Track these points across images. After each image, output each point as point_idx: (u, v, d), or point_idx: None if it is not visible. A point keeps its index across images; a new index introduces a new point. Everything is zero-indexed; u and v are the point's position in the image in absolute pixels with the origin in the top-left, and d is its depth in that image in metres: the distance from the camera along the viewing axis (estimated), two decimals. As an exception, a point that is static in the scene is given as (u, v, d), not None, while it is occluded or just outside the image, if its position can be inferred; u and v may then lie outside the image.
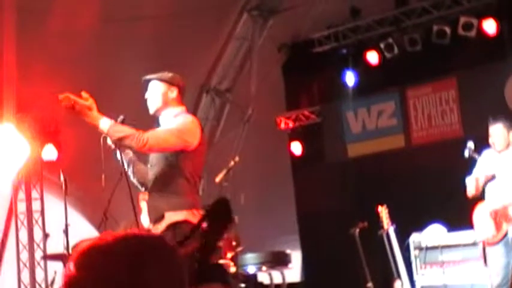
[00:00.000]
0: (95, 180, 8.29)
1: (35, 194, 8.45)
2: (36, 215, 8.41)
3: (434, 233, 7.59)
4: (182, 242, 1.87)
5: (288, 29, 10.59)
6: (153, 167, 4.68)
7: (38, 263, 8.25)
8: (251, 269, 7.51)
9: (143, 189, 4.90)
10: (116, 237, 1.50)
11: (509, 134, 6.32)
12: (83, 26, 8.14)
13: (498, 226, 6.30)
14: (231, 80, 10.76)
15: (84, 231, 7.92)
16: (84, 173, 8.38)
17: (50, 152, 8.21)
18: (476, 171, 6.52)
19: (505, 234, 6.28)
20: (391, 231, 7.26)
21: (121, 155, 4.74)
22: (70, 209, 7.06)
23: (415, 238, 7.66)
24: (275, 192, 10.52)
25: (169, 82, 4.75)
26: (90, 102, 4.47)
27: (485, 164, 6.45)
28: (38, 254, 8.27)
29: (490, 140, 6.37)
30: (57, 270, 6.63)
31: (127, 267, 1.44)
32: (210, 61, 10.40)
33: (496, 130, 6.30)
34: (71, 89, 8.24)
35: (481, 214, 6.47)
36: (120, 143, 4.51)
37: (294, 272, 9.07)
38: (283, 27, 10.40)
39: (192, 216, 4.43)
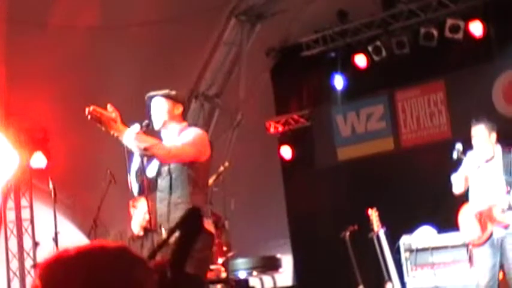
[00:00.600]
0: (85, 188, 8.31)
1: (24, 202, 8.42)
2: (26, 224, 8.37)
3: (424, 235, 7.61)
4: (153, 254, 1.85)
5: (276, 34, 10.60)
6: (165, 177, 4.83)
7: (28, 272, 8.21)
8: (242, 274, 7.51)
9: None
10: (78, 251, 1.47)
11: (491, 135, 6.35)
12: (73, 34, 8.14)
13: (483, 227, 6.33)
14: (220, 85, 10.76)
15: (74, 239, 7.89)
16: (74, 181, 8.37)
17: (39, 160, 8.18)
18: (461, 169, 6.55)
19: (490, 235, 6.29)
20: (382, 233, 7.29)
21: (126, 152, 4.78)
22: (60, 217, 7.05)
23: (405, 240, 7.67)
24: (265, 196, 10.52)
25: (175, 99, 4.95)
26: (115, 114, 4.65)
27: (468, 167, 6.48)
28: (28, 263, 8.23)
29: (473, 141, 6.39)
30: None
31: (83, 282, 1.42)
32: (198, 66, 10.39)
33: (478, 131, 6.33)
34: (61, 97, 8.25)
35: (466, 216, 6.50)
36: (146, 152, 4.67)
37: (285, 276, 9.08)
38: (271, 31, 10.41)
39: (207, 225, 4.62)
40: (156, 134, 5.07)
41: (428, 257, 7.43)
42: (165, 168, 4.83)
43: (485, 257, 6.29)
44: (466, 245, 6.90)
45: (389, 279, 7.24)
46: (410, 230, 7.77)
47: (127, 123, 4.75)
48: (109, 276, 1.44)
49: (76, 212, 8.63)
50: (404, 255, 7.62)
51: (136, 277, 1.48)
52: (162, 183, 4.84)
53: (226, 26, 10.26)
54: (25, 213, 8.40)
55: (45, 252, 6.49)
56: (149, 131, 4.93)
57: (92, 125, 8.33)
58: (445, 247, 7.25)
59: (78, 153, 8.33)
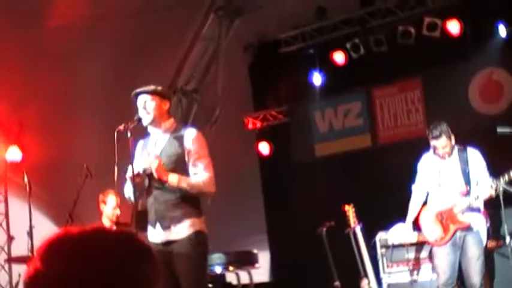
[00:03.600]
0: (60, 182, 8.23)
1: (-2, 196, 8.34)
2: (1, 218, 8.29)
3: (400, 232, 7.65)
4: None
5: (255, 30, 10.59)
6: None
7: (2, 266, 8.13)
8: (218, 269, 7.49)
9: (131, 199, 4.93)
10: (80, 234, 1.38)
11: (451, 139, 6.39)
12: (47, 27, 8.05)
13: (445, 228, 6.37)
14: (198, 80, 10.72)
15: (49, 233, 7.84)
16: (50, 175, 8.30)
17: (14, 154, 8.10)
18: (419, 177, 6.59)
19: (453, 235, 6.35)
20: (358, 230, 7.32)
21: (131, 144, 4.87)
22: (35, 211, 6.99)
23: (381, 236, 7.72)
24: (243, 192, 10.52)
25: (162, 96, 5.01)
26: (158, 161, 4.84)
27: (427, 169, 6.52)
28: (2, 257, 8.15)
29: (438, 152, 6.40)
30: (21, 273, 6.53)
31: (85, 268, 1.32)
32: (176, 62, 10.35)
33: (441, 143, 6.35)
34: (35, 91, 8.18)
35: (426, 218, 6.54)
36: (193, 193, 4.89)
37: (262, 271, 9.08)
38: (250, 27, 10.40)
39: (201, 223, 4.88)
40: (145, 130, 5.08)
41: (404, 253, 7.47)
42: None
43: (445, 254, 6.35)
44: (426, 243, 6.94)
45: (365, 275, 7.28)
46: (386, 226, 7.81)
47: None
48: (111, 264, 1.35)
49: (51, 206, 8.56)
50: (380, 251, 7.66)
51: (142, 270, 1.39)
52: (159, 181, 4.89)
53: (205, 21, 10.22)
54: (0, 207, 8.31)
55: (20, 246, 6.43)
56: (139, 126, 4.97)
57: (68, 120, 8.30)
58: (421, 243, 7.30)
59: (53, 147, 8.27)
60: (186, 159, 4.92)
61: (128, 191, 4.92)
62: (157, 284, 1.42)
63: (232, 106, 10.49)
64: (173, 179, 4.80)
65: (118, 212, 6.82)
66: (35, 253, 1.36)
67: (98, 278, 1.33)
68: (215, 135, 10.46)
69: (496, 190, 6.12)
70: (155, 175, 4.79)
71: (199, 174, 4.88)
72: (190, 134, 4.98)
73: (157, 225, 4.88)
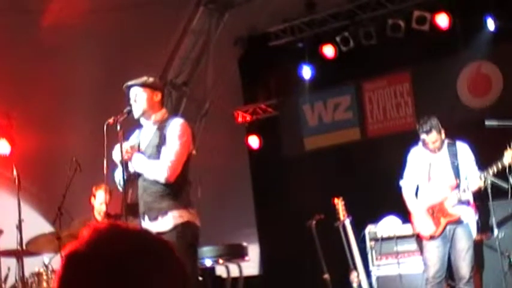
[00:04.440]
0: (49, 175, 8.21)
1: (-13, 190, 8.29)
2: (-10, 211, 8.25)
3: (389, 225, 7.69)
4: None
5: (244, 23, 10.58)
6: None
7: (-8, 261, 8.09)
8: (208, 262, 7.51)
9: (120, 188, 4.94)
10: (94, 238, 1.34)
11: (442, 134, 6.42)
12: (36, 20, 8.02)
13: (437, 222, 6.40)
14: (188, 73, 10.70)
15: (38, 226, 7.80)
16: (39, 169, 8.27)
17: (3, 147, 8.07)
18: (408, 171, 6.61)
19: (444, 228, 6.38)
20: (347, 223, 7.34)
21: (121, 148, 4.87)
22: (24, 205, 6.94)
23: (370, 229, 7.75)
24: (233, 185, 10.53)
25: (153, 87, 5.01)
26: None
27: (416, 163, 6.54)
28: (-8, 251, 8.10)
29: (429, 146, 6.42)
30: (10, 267, 6.51)
31: (106, 275, 1.30)
32: (166, 55, 10.33)
33: (432, 137, 6.37)
34: (24, 85, 8.14)
35: (417, 212, 6.56)
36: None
37: (252, 264, 9.10)
38: (239, 20, 10.38)
39: (190, 214, 4.84)
40: (136, 122, 5.07)
41: (393, 246, 7.51)
42: (150, 158, 4.93)
43: (435, 247, 6.37)
44: (414, 235, 6.97)
45: (355, 267, 7.31)
46: (375, 219, 7.85)
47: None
48: (136, 265, 1.32)
49: (41, 200, 8.54)
50: (369, 244, 7.70)
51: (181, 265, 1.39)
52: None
53: (195, 14, 10.20)
54: (-12, 201, 8.27)
55: (9, 240, 6.40)
56: (130, 118, 4.98)
57: (57, 113, 8.26)
58: (410, 236, 7.33)
59: (43, 140, 8.24)
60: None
61: (118, 175, 4.92)
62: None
63: (222, 99, 10.49)
64: (136, 160, 4.87)
65: (104, 208, 6.81)
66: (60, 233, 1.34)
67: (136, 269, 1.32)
68: (205, 128, 10.47)
69: (484, 182, 6.15)
70: (125, 159, 4.82)
71: (161, 160, 4.86)
72: (173, 124, 4.96)
73: (146, 217, 4.89)
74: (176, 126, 4.93)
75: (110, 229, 1.38)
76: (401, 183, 6.66)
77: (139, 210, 4.92)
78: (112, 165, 4.96)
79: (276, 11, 10.18)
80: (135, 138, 5.09)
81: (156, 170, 4.81)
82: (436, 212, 6.41)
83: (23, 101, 8.07)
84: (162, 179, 4.81)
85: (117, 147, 4.86)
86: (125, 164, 4.83)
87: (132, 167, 4.90)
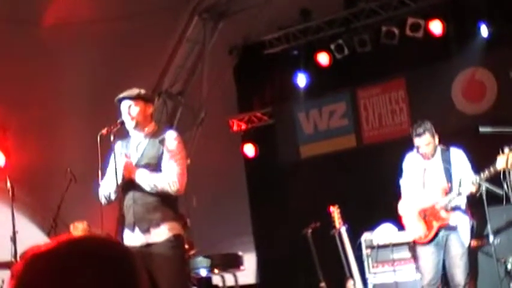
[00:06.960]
0: (44, 186, 8.19)
1: (-18, 201, 8.26)
2: (-16, 223, 8.22)
3: (385, 232, 7.68)
4: None
5: (239, 31, 10.60)
6: None
7: (-14, 272, 8.07)
8: (203, 272, 7.49)
9: (104, 201, 4.94)
10: (49, 249, 1.33)
11: (435, 138, 6.43)
12: (30, 31, 8.02)
13: (429, 225, 6.39)
14: (183, 83, 10.71)
15: (33, 238, 7.79)
16: (34, 180, 8.26)
17: (-3, 158, 8.05)
18: (404, 177, 6.61)
19: (436, 233, 6.37)
20: (343, 230, 7.34)
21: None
22: (19, 216, 6.93)
23: (366, 237, 7.74)
24: (229, 194, 10.52)
25: (146, 100, 5.05)
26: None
27: (411, 169, 6.55)
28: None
29: (420, 150, 6.42)
30: (4, 279, 6.49)
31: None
32: (161, 64, 10.33)
33: (424, 141, 6.37)
34: (21, 95, 8.13)
35: (409, 216, 6.56)
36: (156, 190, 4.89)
37: (247, 273, 9.08)
38: (234, 29, 10.40)
39: (179, 226, 4.94)
40: (127, 132, 5.09)
41: (389, 253, 7.50)
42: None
43: (430, 255, 6.36)
44: (409, 243, 6.96)
45: (351, 275, 7.30)
46: (371, 227, 7.84)
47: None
48: (88, 278, 1.29)
49: (36, 211, 8.52)
50: (365, 252, 7.68)
51: (123, 277, 1.34)
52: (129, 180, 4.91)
53: (189, 24, 10.22)
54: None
55: (3, 251, 6.38)
56: (122, 129, 5.00)
57: (51, 124, 8.26)
58: (406, 244, 7.33)
59: (37, 151, 8.23)
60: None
61: (106, 189, 4.91)
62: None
63: (217, 108, 10.49)
64: (140, 174, 4.86)
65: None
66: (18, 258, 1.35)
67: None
68: (200, 137, 10.47)
69: (479, 187, 6.14)
70: (124, 174, 4.83)
71: (167, 172, 4.89)
72: (169, 136, 5.02)
73: (136, 228, 4.87)
74: (175, 138, 5.02)
75: (72, 237, 1.39)
76: (401, 181, 6.64)
77: (126, 221, 4.90)
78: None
79: (271, 19, 10.21)
80: (121, 148, 5.07)
81: (166, 182, 4.85)
82: (428, 215, 6.40)
83: (18, 113, 8.07)
84: (173, 191, 4.87)
85: (104, 182, 4.90)
86: (117, 176, 4.82)
87: (121, 179, 4.86)
